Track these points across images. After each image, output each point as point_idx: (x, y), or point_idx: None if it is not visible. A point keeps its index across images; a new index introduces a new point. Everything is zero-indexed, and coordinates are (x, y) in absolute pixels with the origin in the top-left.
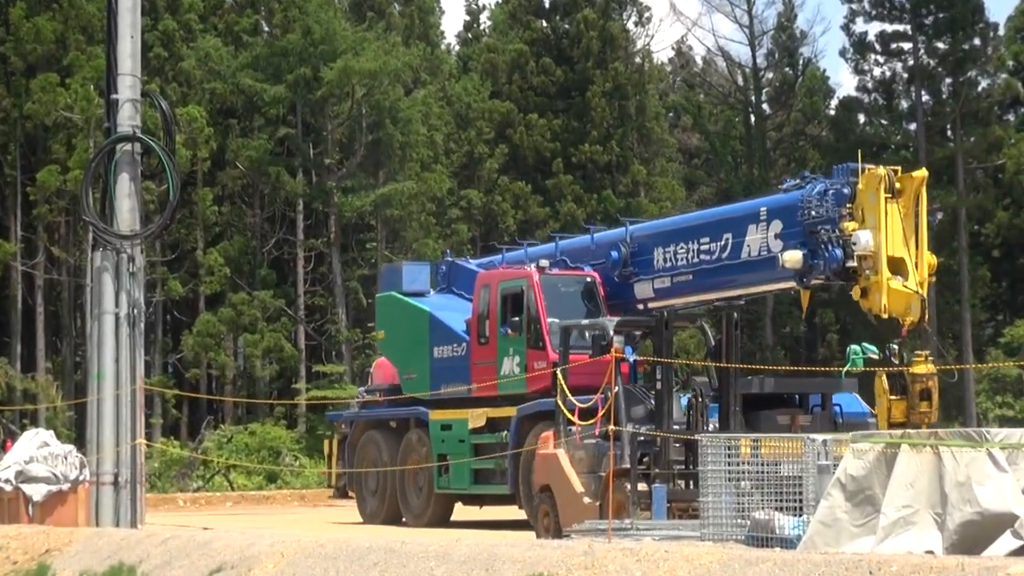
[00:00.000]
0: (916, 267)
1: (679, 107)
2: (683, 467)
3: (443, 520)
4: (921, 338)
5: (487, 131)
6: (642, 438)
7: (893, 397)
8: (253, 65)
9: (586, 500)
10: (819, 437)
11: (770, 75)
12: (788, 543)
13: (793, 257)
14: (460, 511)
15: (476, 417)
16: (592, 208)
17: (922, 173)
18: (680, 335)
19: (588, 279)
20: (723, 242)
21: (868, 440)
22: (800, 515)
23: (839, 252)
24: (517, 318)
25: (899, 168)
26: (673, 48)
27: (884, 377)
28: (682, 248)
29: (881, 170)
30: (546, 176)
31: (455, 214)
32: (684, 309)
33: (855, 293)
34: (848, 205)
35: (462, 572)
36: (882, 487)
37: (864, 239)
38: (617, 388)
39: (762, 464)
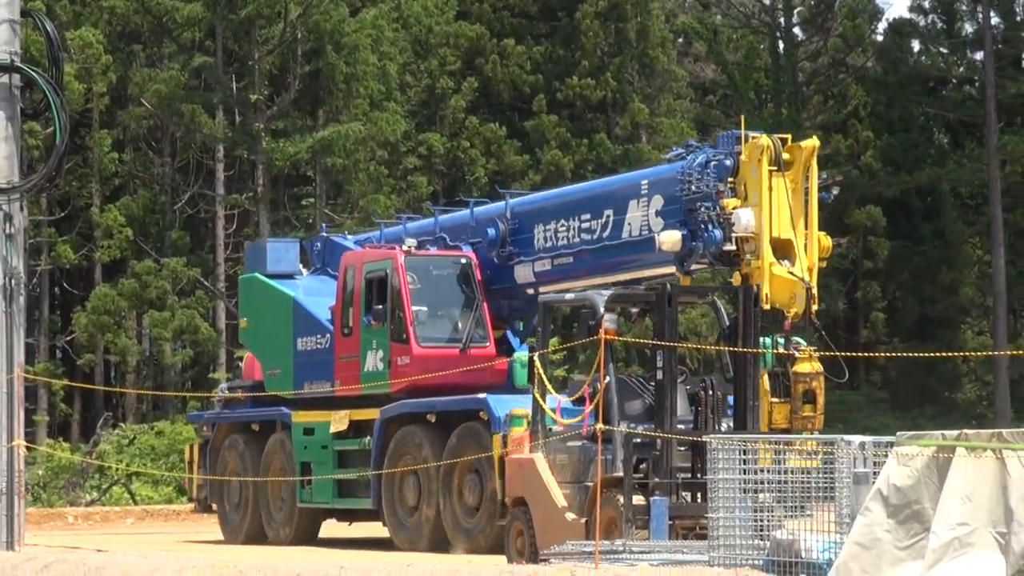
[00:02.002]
0: (805, 250)
1: (690, 31)
2: (689, 476)
3: (309, 538)
4: (807, 332)
5: (452, 60)
6: (639, 440)
7: (775, 400)
8: None
9: (569, 516)
10: (855, 439)
11: None
12: (817, 569)
13: (670, 239)
14: (333, 528)
15: (338, 420)
16: (582, 156)
17: (812, 142)
18: (689, 313)
19: (463, 260)
20: (604, 219)
21: (916, 443)
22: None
23: (718, 233)
24: (381, 306)
25: (788, 136)
26: None
27: (766, 377)
28: (563, 226)
29: (764, 139)
30: (525, 116)
31: (412, 163)
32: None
33: (735, 280)
34: (730, 179)
35: None
36: (932, 501)
37: (744, 218)
38: (608, 378)
39: (785, 472)
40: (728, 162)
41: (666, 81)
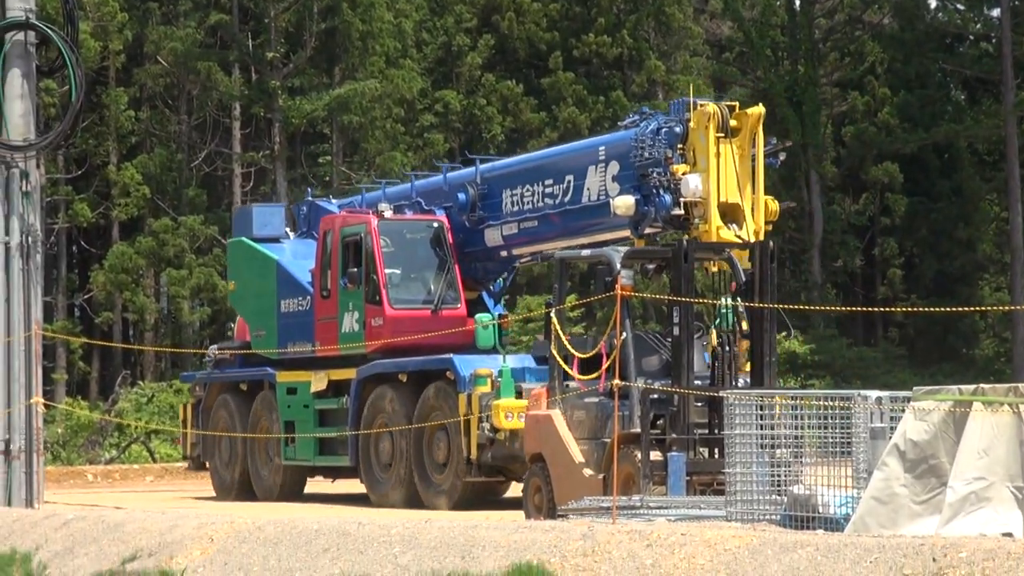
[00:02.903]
0: (752, 214)
1: None
2: (706, 432)
3: (295, 494)
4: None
5: (468, 18)
6: (656, 396)
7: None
8: None
9: (587, 472)
10: (872, 394)
11: None
12: (834, 524)
13: (624, 203)
14: (316, 484)
15: (318, 380)
16: (598, 113)
17: (758, 110)
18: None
19: (435, 225)
20: (565, 184)
21: (932, 397)
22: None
23: (668, 198)
24: (356, 269)
25: (736, 104)
26: None
27: (714, 335)
28: (528, 191)
29: (711, 107)
30: (541, 74)
31: (429, 120)
32: (527, 259)
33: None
34: (680, 145)
35: (432, 559)
36: (949, 455)
37: (693, 183)
38: (625, 334)
39: (803, 427)
40: (678, 129)
41: (682, 38)
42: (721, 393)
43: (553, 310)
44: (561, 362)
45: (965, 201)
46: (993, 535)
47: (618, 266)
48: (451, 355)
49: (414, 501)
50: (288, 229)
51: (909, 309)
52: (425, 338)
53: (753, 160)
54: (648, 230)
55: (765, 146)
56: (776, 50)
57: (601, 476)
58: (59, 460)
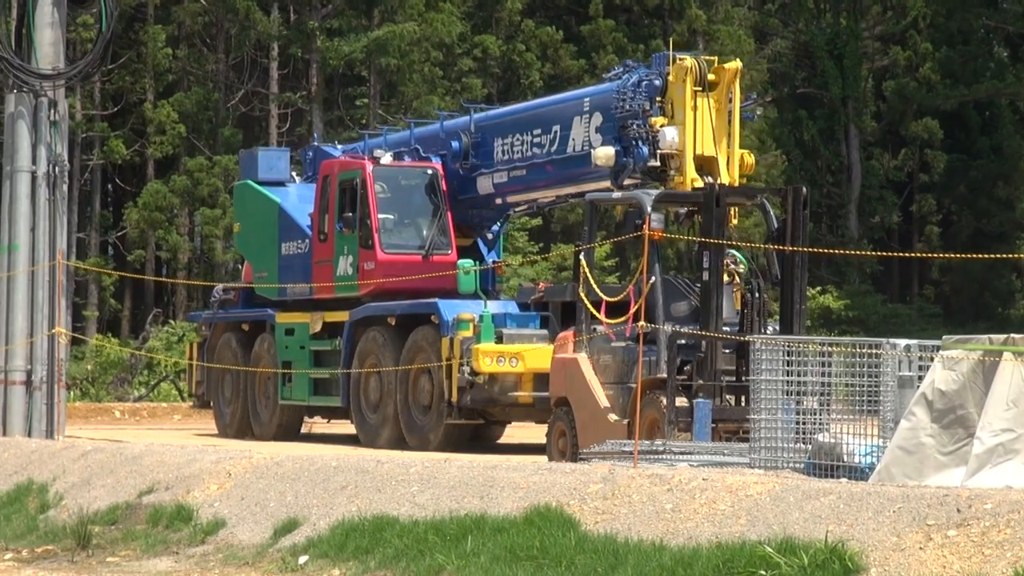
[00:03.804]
0: (728, 167)
1: None
2: (734, 379)
3: (291, 433)
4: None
5: None
6: (683, 341)
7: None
8: None
9: (612, 417)
10: (902, 342)
11: None
12: (858, 473)
13: (604, 154)
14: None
15: (314, 322)
16: (638, 62)
17: (735, 64)
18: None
19: (429, 171)
20: (552, 134)
21: (962, 347)
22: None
23: (645, 150)
24: (351, 213)
25: (715, 59)
26: None
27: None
28: (518, 140)
29: (689, 60)
30: (581, 20)
31: (467, 65)
32: (522, 207)
33: None
34: (659, 98)
35: (450, 499)
36: (978, 406)
37: (669, 136)
38: (654, 278)
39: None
40: (657, 82)
41: None
42: (748, 338)
43: (582, 252)
44: (588, 305)
45: (1004, 160)
46: (1019, 487)
47: (648, 209)
48: (436, 299)
49: (401, 443)
50: (294, 173)
51: (942, 256)
52: (416, 282)
53: (730, 114)
54: (627, 181)
55: (743, 101)
56: (818, 2)
57: (626, 421)
58: (88, 397)
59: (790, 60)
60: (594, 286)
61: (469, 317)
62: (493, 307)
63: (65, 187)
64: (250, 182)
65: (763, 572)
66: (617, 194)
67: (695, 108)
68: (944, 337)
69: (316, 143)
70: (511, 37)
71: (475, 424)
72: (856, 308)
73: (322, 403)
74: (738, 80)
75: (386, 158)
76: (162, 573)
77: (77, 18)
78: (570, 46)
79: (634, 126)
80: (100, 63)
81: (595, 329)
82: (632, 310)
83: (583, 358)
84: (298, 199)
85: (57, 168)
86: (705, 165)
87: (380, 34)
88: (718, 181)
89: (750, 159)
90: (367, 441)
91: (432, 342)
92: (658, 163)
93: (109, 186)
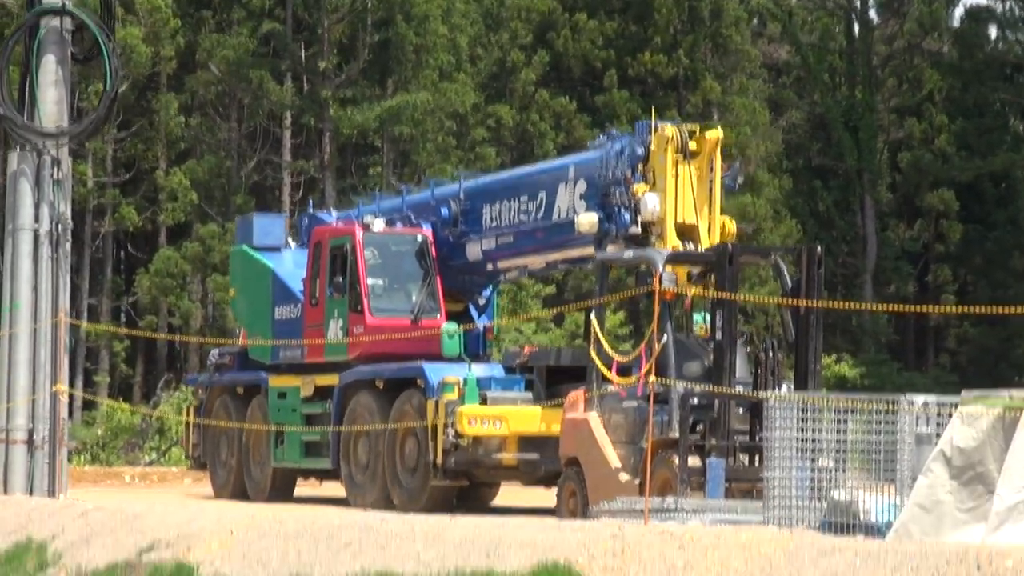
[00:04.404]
0: (709, 233)
1: (765, 11)
2: (747, 438)
3: (285, 495)
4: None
5: (523, 34)
6: (696, 401)
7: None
8: None
9: (623, 477)
10: (919, 398)
11: None
12: (876, 531)
13: (588, 220)
14: (302, 489)
15: (305, 385)
16: (621, 131)
17: (716, 134)
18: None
19: (419, 238)
20: (538, 201)
21: (981, 402)
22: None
23: (627, 216)
24: (341, 278)
25: (696, 128)
26: None
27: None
28: (506, 206)
29: (670, 130)
30: (595, 91)
31: (481, 135)
32: (512, 272)
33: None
34: (641, 166)
35: (457, 557)
36: (997, 462)
37: (651, 203)
38: (666, 338)
39: (844, 433)
40: (639, 150)
41: (739, 60)
42: (762, 395)
43: (592, 311)
44: (600, 364)
45: (1021, 231)
46: None
47: (660, 268)
48: (421, 363)
49: (389, 504)
50: (291, 239)
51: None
52: (404, 346)
53: (712, 182)
54: (610, 247)
55: (724, 170)
56: (834, 75)
57: (638, 481)
58: (98, 461)
59: (805, 131)
60: (605, 345)
61: (454, 380)
62: (478, 370)
63: (68, 245)
64: (245, 247)
65: None
66: (629, 253)
67: (676, 176)
68: (963, 392)
69: (311, 210)
70: (525, 107)
71: (460, 486)
72: (872, 376)
73: (313, 465)
74: (719, 148)
75: (377, 224)
76: None
77: (89, 86)
78: (583, 116)
79: (616, 193)
80: (104, 121)
81: (606, 390)
82: (644, 369)
83: (594, 417)
84: (293, 264)
85: (60, 226)
86: (686, 232)
87: (394, 103)
88: (699, 247)
89: (731, 226)
90: (355, 502)
91: (418, 405)
92: (640, 230)
93: (122, 253)
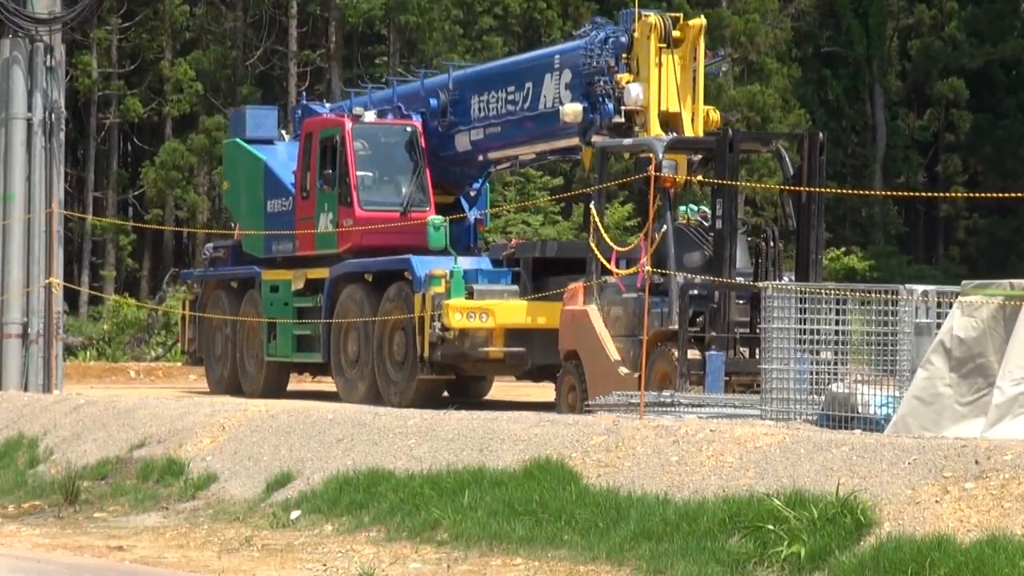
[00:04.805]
0: (692, 123)
1: None
2: (748, 331)
3: (277, 390)
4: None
5: None
6: (695, 292)
7: None
8: None
9: (623, 371)
10: (918, 287)
11: None
12: (874, 424)
13: (572, 110)
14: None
15: (296, 279)
16: (607, 19)
17: (699, 21)
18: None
19: (408, 129)
20: (525, 91)
21: (982, 292)
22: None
23: (611, 106)
24: (331, 171)
25: (680, 16)
26: None
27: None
28: (493, 97)
29: (653, 17)
30: None
31: (488, 23)
32: (503, 164)
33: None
34: (625, 55)
35: (449, 452)
36: (998, 354)
37: (634, 92)
38: (665, 227)
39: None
40: (623, 39)
41: None
42: (761, 285)
43: (591, 200)
44: (598, 254)
45: None
46: None
47: (660, 155)
48: (409, 256)
49: (378, 398)
50: (284, 132)
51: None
52: (393, 238)
53: (696, 70)
54: (594, 137)
55: (708, 58)
56: None
57: (637, 375)
58: (104, 356)
59: (814, 19)
60: (604, 235)
61: (441, 273)
62: (465, 263)
63: (62, 135)
64: (238, 140)
65: (771, 526)
66: (628, 140)
67: (659, 65)
68: (963, 282)
69: (304, 101)
70: None
71: (447, 379)
72: (881, 269)
73: (305, 359)
74: (702, 36)
75: (368, 116)
76: (150, 529)
77: None
78: (591, 4)
79: (600, 83)
80: (98, 6)
81: (605, 280)
82: (643, 259)
83: (593, 310)
84: (286, 157)
85: (53, 115)
86: (670, 121)
87: None
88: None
89: (715, 115)
90: (346, 396)
91: (406, 298)
92: (623, 119)
93: (128, 146)
